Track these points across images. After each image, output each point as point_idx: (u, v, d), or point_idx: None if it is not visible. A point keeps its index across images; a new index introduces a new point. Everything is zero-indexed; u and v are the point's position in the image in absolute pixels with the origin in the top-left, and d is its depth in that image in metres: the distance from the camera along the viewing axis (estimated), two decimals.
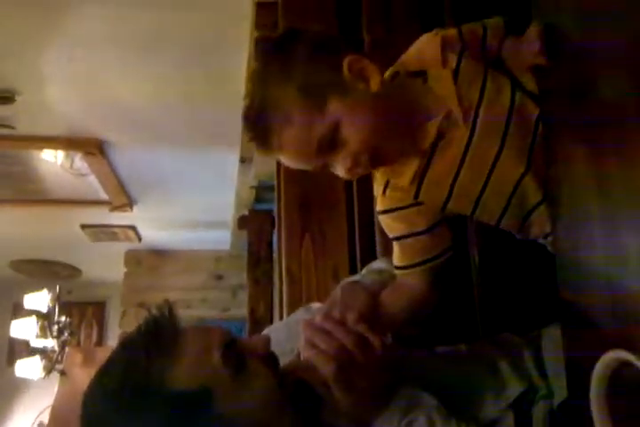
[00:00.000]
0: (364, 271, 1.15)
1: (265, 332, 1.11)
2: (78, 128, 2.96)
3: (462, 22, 0.96)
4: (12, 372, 4.24)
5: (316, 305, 1.12)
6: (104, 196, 3.73)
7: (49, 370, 4.06)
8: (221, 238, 4.66)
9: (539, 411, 0.91)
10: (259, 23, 2.02)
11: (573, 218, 0.74)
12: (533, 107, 0.89)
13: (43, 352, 4.19)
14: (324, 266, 1.59)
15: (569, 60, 0.76)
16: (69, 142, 3.05)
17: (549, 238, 0.90)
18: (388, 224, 0.98)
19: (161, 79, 2.58)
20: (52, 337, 4.13)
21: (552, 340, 0.95)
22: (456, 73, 0.90)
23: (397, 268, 1.00)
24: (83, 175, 3.42)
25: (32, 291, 4.29)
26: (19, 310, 4.69)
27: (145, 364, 0.76)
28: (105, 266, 5.10)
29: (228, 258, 4.99)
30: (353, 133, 0.84)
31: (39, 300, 4.23)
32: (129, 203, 3.87)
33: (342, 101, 0.83)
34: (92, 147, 3.08)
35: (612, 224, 0.64)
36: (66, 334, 4.20)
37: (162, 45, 2.36)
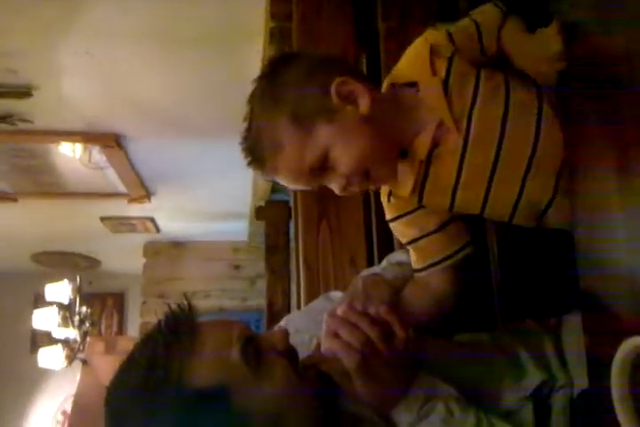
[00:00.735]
0: (384, 263, 1.14)
1: (283, 321, 1.12)
2: (96, 122, 2.97)
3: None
4: (35, 361, 4.31)
5: (336, 294, 1.12)
6: (122, 188, 3.76)
7: (71, 359, 4.12)
8: (239, 229, 4.68)
9: (558, 401, 0.90)
10: (274, 13, 2.01)
11: (594, 207, 0.73)
12: (532, 99, 0.87)
13: (65, 342, 4.25)
14: (340, 255, 1.59)
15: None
16: (87, 136, 3.07)
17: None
18: (399, 230, 0.99)
19: (177, 71, 2.58)
20: (74, 327, 4.19)
21: (572, 328, 0.94)
22: (446, 81, 0.88)
23: (416, 271, 0.99)
24: (101, 168, 3.44)
25: (53, 282, 4.35)
26: (40, 301, 4.76)
27: (164, 361, 0.77)
28: (124, 257, 5.15)
29: (245, 248, 5.02)
30: (342, 158, 0.85)
31: (60, 291, 4.29)
32: (147, 195, 3.90)
33: (330, 127, 0.84)
34: (110, 140, 3.09)
35: (632, 212, 0.64)
36: (87, 324, 4.25)
37: (177, 37, 2.36)
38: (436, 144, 0.88)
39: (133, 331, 5.42)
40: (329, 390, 0.85)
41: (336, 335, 0.81)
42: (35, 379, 5.26)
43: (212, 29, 2.32)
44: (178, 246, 5.07)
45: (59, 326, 4.17)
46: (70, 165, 3.40)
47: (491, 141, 0.87)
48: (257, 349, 0.80)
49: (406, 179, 0.91)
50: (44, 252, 5.14)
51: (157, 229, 4.71)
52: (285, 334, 0.85)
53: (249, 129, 0.89)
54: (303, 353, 0.89)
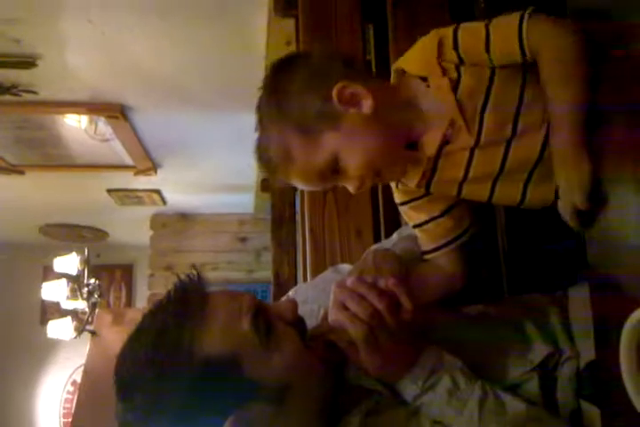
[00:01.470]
0: (394, 236, 1.15)
1: (291, 292, 1.12)
2: (100, 92, 2.95)
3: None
4: (45, 333, 4.37)
5: (345, 266, 1.12)
6: (129, 160, 3.75)
7: (80, 331, 4.17)
8: (244, 201, 4.68)
9: (564, 373, 0.90)
10: None
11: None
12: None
13: (74, 314, 4.29)
14: (346, 227, 1.59)
15: None
16: (92, 107, 3.05)
17: None
18: (408, 213, 1.00)
19: (181, 41, 2.54)
20: (83, 299, 4.22)
21: (578, 300, 0.94)
22: (457, 82, 0.85)
23: (425, 253, 1.00)
24: (107, 140, 3.43)
25: (61, 255, 4.37)
26: (49, 274, 4.79)
27: (175, 330, 0.77)
28: (132, 230, 5.17)
29: (251, 220, 5.03)
30: (352, 162, 0.85)
31: (69, 263, 4.31)
32: (153, 167, 3.89)
33: (336, 133, 0.84)
34: (115, 111, 3.07)
35: None
36: (95, 296, 4.28)
37: (181, 6, 2.32)
38: (446, 141, 0.88)
39: (141, 303, 5.48)
40: (336, 359, 0.86)
41: (344, 306, 0.81)
42: (45, 349, 5.34)
43: None
44: (184, 219, 5.08)
45: (67, 298, 4.21)
46: (76, 136, 3.39)
47: (502, 139, 0.86)
48: (266, 319, 0.81)
49: (414, 172, 0.92)
50: (52, 224, 5.16)
51: (164, 202, 4.72)
52: (294, 304, 0.86)
53: (260, 138, 0.90)
54: (311, 323, 0.89)
